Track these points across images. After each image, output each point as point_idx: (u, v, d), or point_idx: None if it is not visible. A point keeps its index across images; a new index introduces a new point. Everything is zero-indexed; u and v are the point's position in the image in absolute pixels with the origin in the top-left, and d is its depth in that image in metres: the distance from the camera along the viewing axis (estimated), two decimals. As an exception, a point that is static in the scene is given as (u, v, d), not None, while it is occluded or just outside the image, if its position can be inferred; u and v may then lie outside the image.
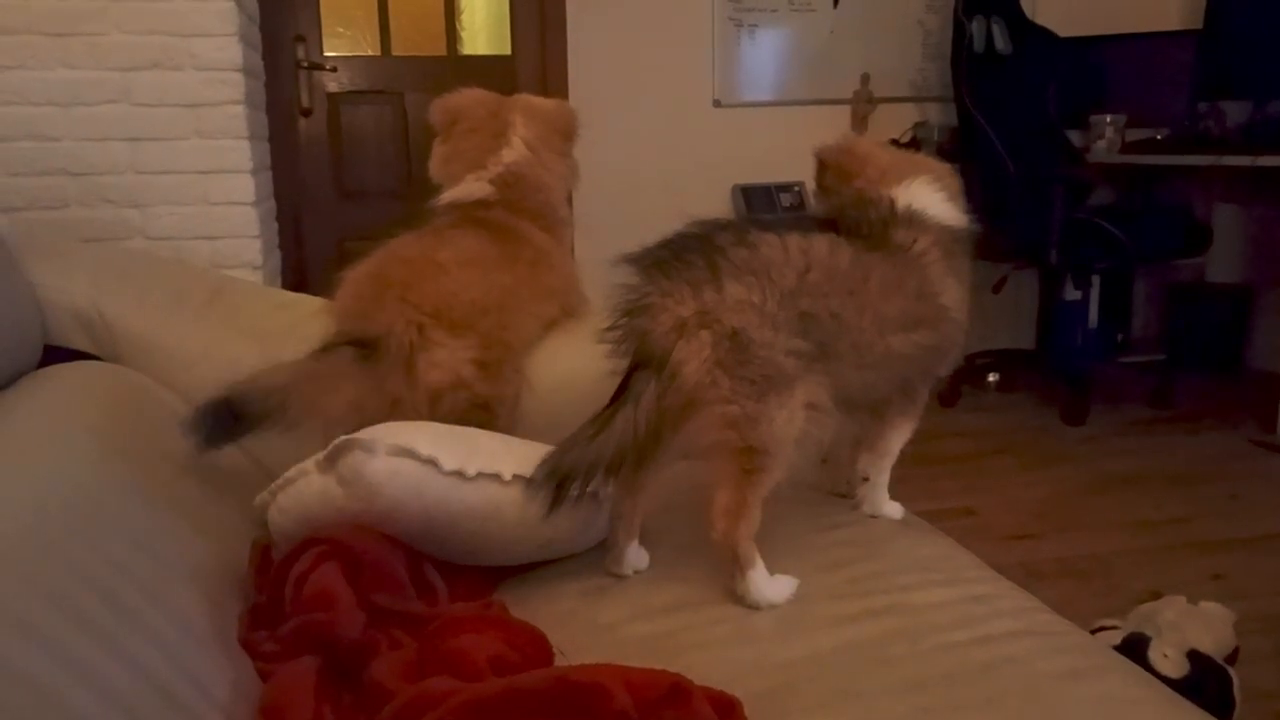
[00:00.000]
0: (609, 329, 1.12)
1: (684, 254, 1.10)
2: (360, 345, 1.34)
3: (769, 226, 1.15)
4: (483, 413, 1.39)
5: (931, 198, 1.27)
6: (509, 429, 1.40)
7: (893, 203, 1.24)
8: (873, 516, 1.36)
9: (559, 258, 1.63)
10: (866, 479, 1.36)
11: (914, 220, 1.23)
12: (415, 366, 1.35)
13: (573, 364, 1.48)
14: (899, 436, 1.35)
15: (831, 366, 1.13)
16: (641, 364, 1.08)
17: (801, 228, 1.16)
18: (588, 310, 1.64)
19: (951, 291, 1.25)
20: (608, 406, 1.08)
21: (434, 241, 1.49)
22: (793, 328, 1.09)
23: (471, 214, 1.56)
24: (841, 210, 1.25)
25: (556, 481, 1.05)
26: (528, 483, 1.08)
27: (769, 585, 1.11)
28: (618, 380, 1.10)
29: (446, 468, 1.10)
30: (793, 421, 1.10)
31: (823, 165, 1.34)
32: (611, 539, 1.21)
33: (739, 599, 1.11)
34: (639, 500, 1.19)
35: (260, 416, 1.23)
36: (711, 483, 1.12)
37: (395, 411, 1.32)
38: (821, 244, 1.15)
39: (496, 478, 1.13)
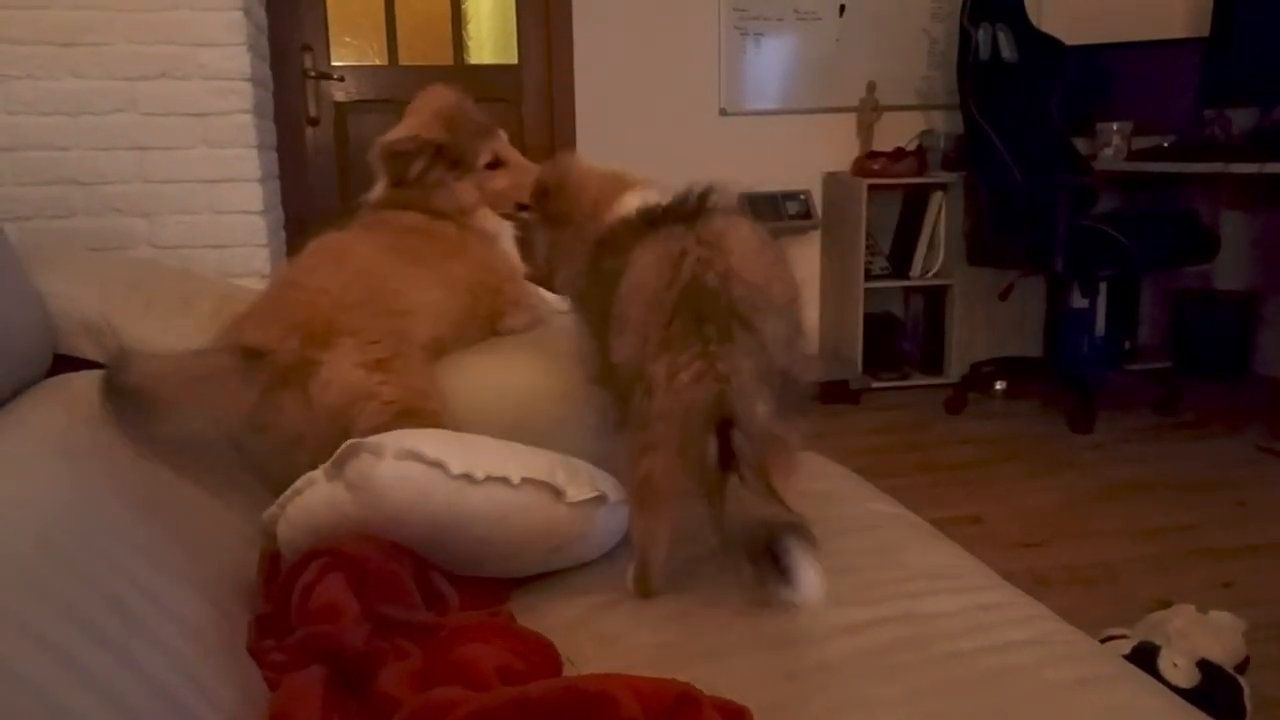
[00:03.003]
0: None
1: (700, 321, 1.05)
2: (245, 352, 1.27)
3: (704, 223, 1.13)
4: (412, 420, 1.27)
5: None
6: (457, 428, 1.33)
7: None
8: None
9: (478, 253, 1.59)
10: None
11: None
12: (310, 394, 1.28)
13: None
14: None
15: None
16: (727, 422, 1.01)
17: (704, 220, 1.14)
18: (532, 315, 1.61)
19: None
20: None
21: (306, 254, 1.46)
22: (796, 334, 1.11)
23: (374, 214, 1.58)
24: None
25: None
26: None
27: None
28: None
29: (454, 471, 1.10)
30: None
31: (543, 190, 1.34)
32: (644, 557, 1.16)
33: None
34: (664, 545, 1.16)
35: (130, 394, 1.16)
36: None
37: (298, 449, 1.26)
38: (744, 225, 1.14)
39: (505, 481, 1.13)
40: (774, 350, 1.06)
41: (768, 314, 1.08)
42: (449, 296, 1.50)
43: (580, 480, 1.19)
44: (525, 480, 1.14)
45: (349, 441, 1.11)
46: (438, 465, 1.10)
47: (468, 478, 1.11)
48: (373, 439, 1.11)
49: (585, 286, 1.27)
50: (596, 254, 1.23)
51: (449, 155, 1.57)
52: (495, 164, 1.62)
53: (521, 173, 1.62)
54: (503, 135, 1.67)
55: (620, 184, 1.32)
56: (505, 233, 1.65)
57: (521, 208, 1.61)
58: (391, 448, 1.09)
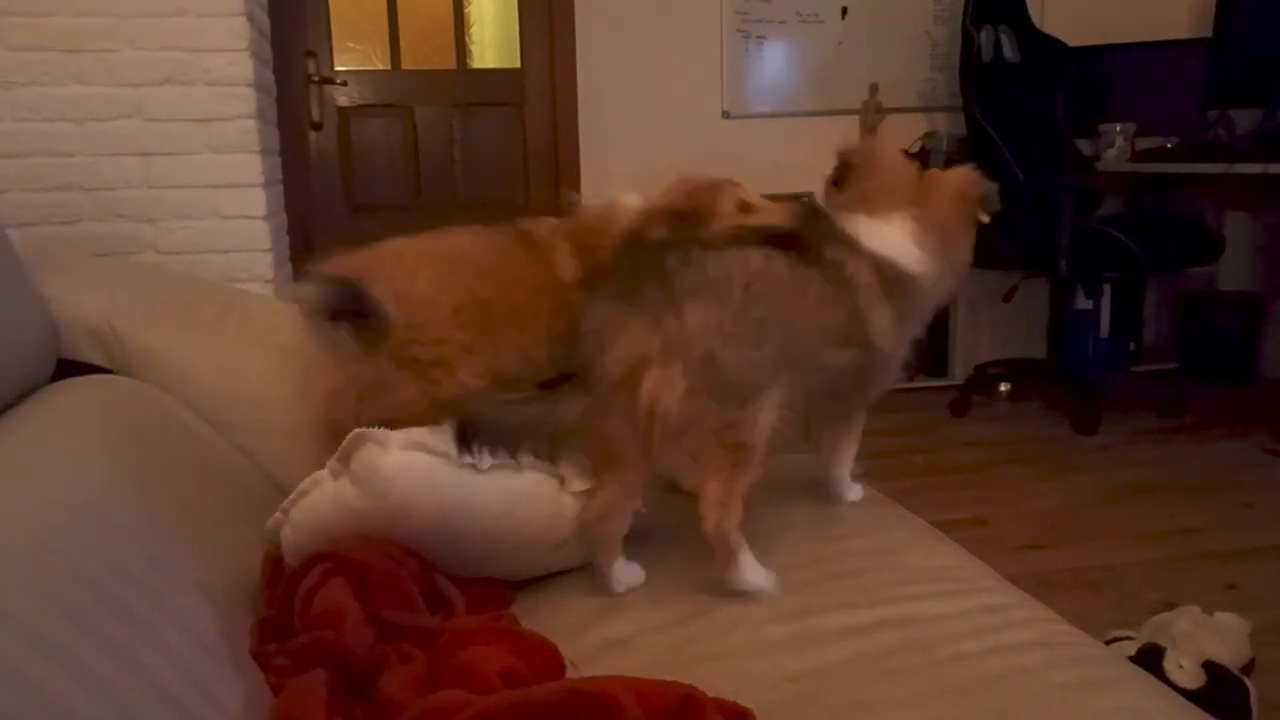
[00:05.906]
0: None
1: (637, 282, 1.13)
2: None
3: (709, 243, 1.18)
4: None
5: (886, 236, 1.26)
6: None
7: (832, 222, 1.28)
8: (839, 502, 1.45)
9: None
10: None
11: (848, 243, 1.25)
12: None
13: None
14: (854, 435, 1.46)
15: (792, 372, 1.18)
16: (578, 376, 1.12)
17: (744, 242, 1.19)
18: None
19: (880, 321, 1.24)
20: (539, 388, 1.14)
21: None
22: (752, 340, 1.12)
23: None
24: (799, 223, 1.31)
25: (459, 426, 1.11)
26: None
27: (756, 571, 1.15)
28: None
29: (460, 460, 1.11)
30: (770, 421, 1.16)
31: (846, 165, 1.36)
32: (595, 565, 1.22)
33: (728, 586, 1.14)
34: (614, 525, 1.20)
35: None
36: (702, 478, 1.15)
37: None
38: (756, 257, 1.17)
39: (509, 467, 1.14)
40: (695, 332, 1.09)
41: (702, 296, 1.10)
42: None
43: (584, 473, 1.21)
44: (529, 466, 1.16)
45: (354, 432, 1.11)
46: (443, 455, 1.10)
47: (473, 467, 1.12)
48: (377, 431, 1.11)
49: None
50: None
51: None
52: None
53: None
54: None
55: (913, 200, 1.30)
56: None
57: None
58: (397, 439, 1.10)
